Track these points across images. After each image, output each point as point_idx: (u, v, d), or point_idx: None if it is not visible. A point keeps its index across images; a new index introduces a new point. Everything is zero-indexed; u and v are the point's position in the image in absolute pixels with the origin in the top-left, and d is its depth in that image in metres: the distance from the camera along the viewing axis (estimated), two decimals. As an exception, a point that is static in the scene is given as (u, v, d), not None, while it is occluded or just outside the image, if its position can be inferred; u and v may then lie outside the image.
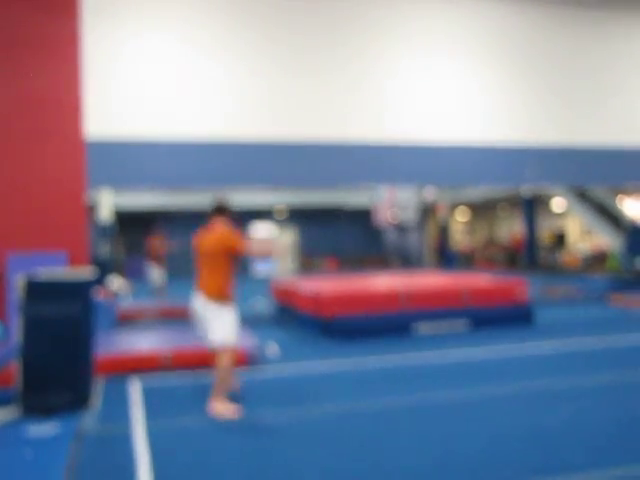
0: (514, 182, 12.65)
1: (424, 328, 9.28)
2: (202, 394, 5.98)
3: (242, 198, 23.84)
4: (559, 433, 4.56)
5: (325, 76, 10.12)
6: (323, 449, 4.36)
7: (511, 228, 27.33)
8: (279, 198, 25.51)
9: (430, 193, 25.71)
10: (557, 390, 5.85)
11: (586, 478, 3.72)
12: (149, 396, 5.91)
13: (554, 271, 21.83)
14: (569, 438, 4.45)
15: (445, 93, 10.73)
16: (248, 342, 7.41)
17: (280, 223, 27.46)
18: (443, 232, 28.33)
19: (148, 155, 9.30)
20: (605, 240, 19.75)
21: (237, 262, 5.44)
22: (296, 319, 10.39)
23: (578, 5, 11.63)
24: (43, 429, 4.74)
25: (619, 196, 19.57)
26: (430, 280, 11.68)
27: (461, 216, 30.29)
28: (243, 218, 23.96)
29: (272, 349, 8.08)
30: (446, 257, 27.72)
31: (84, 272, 5.75)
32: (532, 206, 23.39)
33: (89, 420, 5.01)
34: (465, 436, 4.56)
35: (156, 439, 4.62)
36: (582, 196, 19.78)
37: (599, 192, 19.15)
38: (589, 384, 6.09)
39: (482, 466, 3.95)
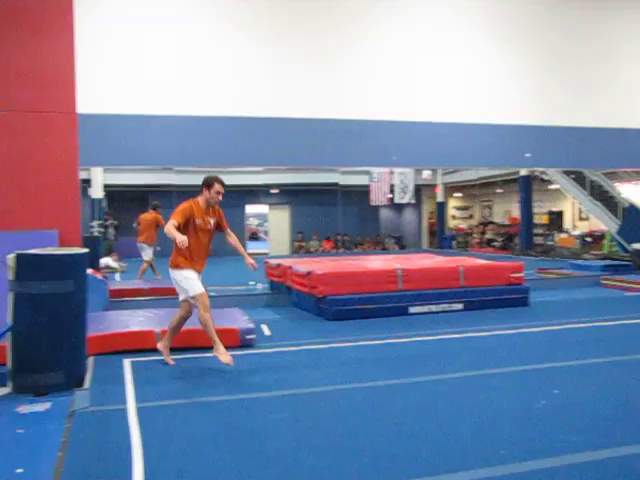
0: (513, 163, 12.57)
1: (419, 309, 9.26)
2: (193, 372, 5.97)
3: (237, 177, 23.76)
4: (551, 414, 4.55)
5: (324, 55, 9.94)
6: (313, 429, 4.34)
7: (508, 209, 27.27)
8: (274, 178, 25.37)
9: (427, 174, 25.62)
10: (550, 370, 5.84)
11: (581, 458, 3.70)
12: (141, 374, 5.88)
13: (549, 253, 21.80)
14: (560, 419, 4.43)
15: (446, 71, 10.56)
16: (241, 323, 7.37)
17: (274, 203, 27.35)
18: (439, 213, 28.27)
19: (140, 131, 9.16)
20: (600, 222, 19.71)
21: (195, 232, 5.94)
22: (289, 299, 10.36)
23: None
24: (36, 407, 4.70)
25: (616, 180, 19.50)
26: (426, 261, 11.64)
27: (458, 197, 30.20)
28: (238, 197, 23.85)
29: (265, 330, 8.05)
30: (442, 238, 27.70)
31: (76, 250, 5.67)
32: (529, 187, 23.32)
33: (81, 398, 4.96)
34: (458, 416, 4.53)
35: (148, 416, 4.59)
36: (579, 179, 19.73)
37: (596, 175, 19.07)
38: (580, 364, 6.08)
39: (475, 446, 3.92)
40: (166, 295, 10.76)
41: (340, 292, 9.03)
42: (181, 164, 12.71)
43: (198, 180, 6.29)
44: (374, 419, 4.56)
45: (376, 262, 11.40)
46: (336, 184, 25.39)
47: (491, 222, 27.90)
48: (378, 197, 25.68)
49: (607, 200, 18.96)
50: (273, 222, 27.88)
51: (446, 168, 23.74)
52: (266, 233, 31.00)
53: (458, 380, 5.62)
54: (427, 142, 10.42)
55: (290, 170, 23.49)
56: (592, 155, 11.93)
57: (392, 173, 25.29)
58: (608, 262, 15.20)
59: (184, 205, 5.96)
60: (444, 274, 9.81)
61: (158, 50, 9.21)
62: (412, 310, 9.22)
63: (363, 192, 25.72)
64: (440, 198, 28.03)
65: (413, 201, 26.76)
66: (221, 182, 6.06)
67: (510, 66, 10.99)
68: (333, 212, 26.52)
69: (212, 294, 10.09)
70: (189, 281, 5.92)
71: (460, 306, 9.51)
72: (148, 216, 13.33)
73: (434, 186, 27.85)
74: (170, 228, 5.70)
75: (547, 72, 11.23)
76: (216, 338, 5.87)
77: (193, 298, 5.92)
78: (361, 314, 8.91)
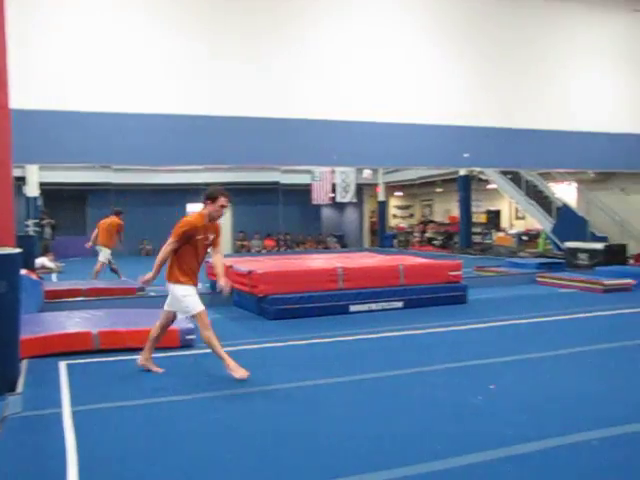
0: (452, 163, 12.79)
1: (360, 307, 9.33)
2: (129, 374, 5.86)
3: (178, 176, 23.47)
4: (487, 408, 4.65)
5: (263, 54, 9.90)
6: (252, 430, 4.32)
7: (448, 208, 27.72)
8: (215, 176, 25.10)
9: (367, 173, 25.80)
10: (487, 366, 5.97)
11: (514, 450, 3.79)
12: (77, 377, 5.75)
13: (487, 251, 22.27)
14: (496, 413, 4.54)
15: (386, 71, 10.66)
16: (181, 323, 7.27)
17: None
18: (380, 212, 28.53)
19: (77, 129, 8.95)
20: (535, 221, 20.26)
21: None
22: (231, 299, 10.28)
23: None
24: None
25: (550, 180, 20.05)
26: (366, 260, 11.73)
27: (398, 196, 30.53)
28: (178, 196, 23.58)
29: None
30: (383, 237, 27.96)
31: (9, 250, 5.49)
32: (468, 187, 23.76)
33: (14, 403, 4.81)
34: (396, 413, 4.59)
35: (83, 420, 4.48)
36: (516, 179, 20.22)
37: (532, 175, 19.58)
38: (516, 359, 6.23)
39: (413, 441, 3.98)
40: (104, 295, 10.56)
41: (281, 291, 9.03)
42: (119, 162, 12.50)
43: (137, 179, 6.20)
44: (314, 417, 4.57)
45: (317, 261, 11.44)
46: (277, 183, 25.29)
47: (431, 221, 28.31)
48: (320, 196, 25.76)
49: (542, 200, 19.50)
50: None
51: (387, 168, 23.95)
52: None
53: (397, 377, 5.69)
54: (367, 142, 10.49)
55: (232, 169, 23.30)
56: (528, 156, 12.25)
57: (334, 172, 25.41)
58: (543, 260, 15.64)
59: (189, 221, 5.63)
60: (384, 273, 9.91)
61: (94, 47, 9.04)
62: (353, 309, 9.28)
63: (305, 191, 25.73)
64: (381, 197, 28.27)
65: (355, 200, 26.95)
66: (226, 195, 5.71)
67: (449, 67, 11.18)
68: (275, 211, 26.45)
69: (152, 294, 10.03)
70: (190, 298, 5.65)
71: (400, 304, 9.62)
72: (108, 220, 13.23)
73: (375, 185, 28.08)
74: (162, 255, 5.57)
75: (485, 74, 11.48)
76: (224, 354, 5.63)
77: (194, 316, 5.70)
78: (302, 313, 8.92)
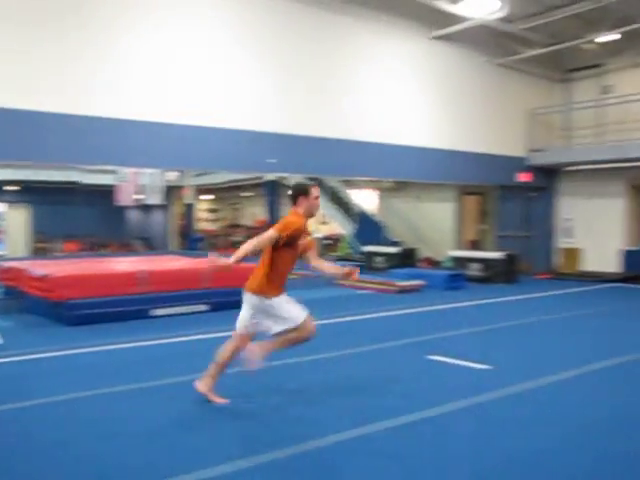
0: (258, 168, 12.98)
1: (163, 311, 9.22)
2: None
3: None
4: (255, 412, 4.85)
5: (70, 50, 9.41)
6: (54, 440, 4.17)
7: (255, 211, 28.11)
8: (12, 174, 23.45)
9: (174, 175, 25.47)
10: (289, 366, 6.19)
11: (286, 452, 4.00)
12: None
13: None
14: (257, 418, 4.75)
15: (193, 75, 10.60)
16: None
17: (13, 201, 25.33)
18: (188, 215, 28.27)
19: None
20: (338, 226, 21.19)
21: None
22: (25, 304, 9.70)
23: (324, 7, 12.30)
24: None
25: (352, 187, 21.06)
26: (171, 263, 11.62)
27: (206, 199, 30.45)
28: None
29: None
30: (190, 240, 27.73)
31: None
32: (275, 191, 24.29)
33: None
34: (191, 418, 4.64)
35: None
36: (318, 185, 20.97)
37: (333, 182, 20.44)
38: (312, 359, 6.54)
39: (203, 445, 4.06)
40: None
41: (80, 295, 8.67)
42: None
43: None
44: (112, 426, 4.48)
45: (120, 264, 11.14)
46: (76, 183, 24.04)
47: (239, 224, 28.58)
48: (125, 197, 24.93)
49: (344, 206, 20.45)
50: (11, 222, 25.80)
51: (196, 170, 23.81)
52: (3, 233, 28.55)
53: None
54: (173, 144, 10.36)
55: (29, 166, 21.88)
56: (332, 164, 12.79)
57: (139, 173, 24.74)
58: (344, 263, 16.42)
59: (298, 221, 4.89)
60: (189, 276, 9.88)
61: None
62: (156, 312, 9.16)
63: (109, 192, 24.78)
64: (189, 200, 28.04)
65: (162, 202, 26.45)
66: (315, 185, 5.15)
67: (256, 72, 11.37)
68: (77, 212, 25.26)
69: None
70: (293, 305, 4.94)
71: (205, 307, 9.65)
72: None
73: (184, 188, 27.79)
74: (254, 246, 4.68)
75: (291, 81, 11.82)
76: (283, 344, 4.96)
77: (296, 328, 4.88)
78: (103, 318, 8.64)
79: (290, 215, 4.97)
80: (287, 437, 4.19)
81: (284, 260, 4.87)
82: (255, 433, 4.33)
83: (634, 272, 14.52)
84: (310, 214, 5.05)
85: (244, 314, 4.94)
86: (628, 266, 14.87)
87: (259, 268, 4.89)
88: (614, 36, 14.64)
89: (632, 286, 13.79)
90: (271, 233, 4.71)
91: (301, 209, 5.00)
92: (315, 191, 5.07)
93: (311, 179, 20.35)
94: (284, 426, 4.45)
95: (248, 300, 4.89)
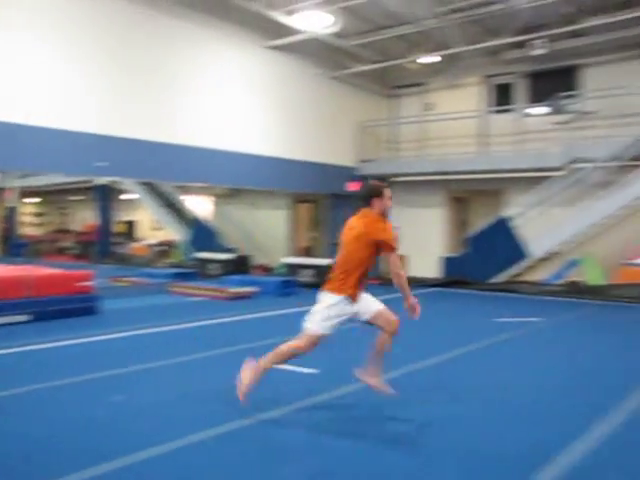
0: (84, 171, 12.50)
1: (-22, 322, 8.62)
2: None
3: None
4: (111, 420, 4.75)
5: None
6: None
7: (84, 217, 26.98)
8: None
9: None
10: (117, 377, 6.04)
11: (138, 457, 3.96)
12: None
13: (125, 261, 22.23)
14: (121, 424, 4.66)
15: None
16: None
17: None
18: (10, 219, 26.56)
19: None
20: (172, 232, 20.88)
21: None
22: None
23: (165, 12, 12.13)
24: None
25: (187, 193, 20.85)
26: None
27: (31, 203, 28.77)
28: None
29: None
30: (13, 245, 26.07)
31: None
32: (107, 196, 23.47)
33: None
34: (22, 431, 4.43)
35: None
36: (152, 190, 20.58)
37: (167, 187, 20.15)
38: (147, 368, 6.43)
39: (38, 458, 3.89)
40: None
41: None
42: None
43: None
44: None
45: None
46: None
47: (68, 230, 27.27)
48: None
49: (178, 212, 20.21)
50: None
51: (13, 171, 22.42)
52: None
53: (20, 396, 5.42)
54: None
55: None
56: (165, 169, 12.61)
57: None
58: (177, 270, 16.25)
59: (385, 225, 4.98)
60: (8, 284, 9.29)
61: None
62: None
63: None
64: (11, 203, 26.34)
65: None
66: (386, 185, 5.14)
67: (93, 73, 11.00)
68: None
69: None
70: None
71: (26, 317, 9.13)
72: None
73: (5, 190, 26.07)
74: (402, 267, 4.99)
75: (127, 85, 11.55)
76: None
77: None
78: None
79: (371, 220, 5.01)
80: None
81: (370, 263, 5.05)
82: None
83: (453, 277, 15.59)
84: (385, 215, 5.11)
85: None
86: (448, 272, 15.93)
87: (355, 271, 4.96)
88: (434, 58, 15.74)
89: (451, 290, 14.82)
90: (395, 252, 4.96)
91: (375, 210, 5.06)
92: (388, 192, 5.12)
93: (144, 184, 20.00)
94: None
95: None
